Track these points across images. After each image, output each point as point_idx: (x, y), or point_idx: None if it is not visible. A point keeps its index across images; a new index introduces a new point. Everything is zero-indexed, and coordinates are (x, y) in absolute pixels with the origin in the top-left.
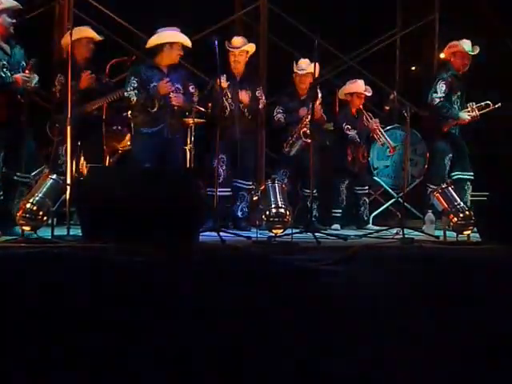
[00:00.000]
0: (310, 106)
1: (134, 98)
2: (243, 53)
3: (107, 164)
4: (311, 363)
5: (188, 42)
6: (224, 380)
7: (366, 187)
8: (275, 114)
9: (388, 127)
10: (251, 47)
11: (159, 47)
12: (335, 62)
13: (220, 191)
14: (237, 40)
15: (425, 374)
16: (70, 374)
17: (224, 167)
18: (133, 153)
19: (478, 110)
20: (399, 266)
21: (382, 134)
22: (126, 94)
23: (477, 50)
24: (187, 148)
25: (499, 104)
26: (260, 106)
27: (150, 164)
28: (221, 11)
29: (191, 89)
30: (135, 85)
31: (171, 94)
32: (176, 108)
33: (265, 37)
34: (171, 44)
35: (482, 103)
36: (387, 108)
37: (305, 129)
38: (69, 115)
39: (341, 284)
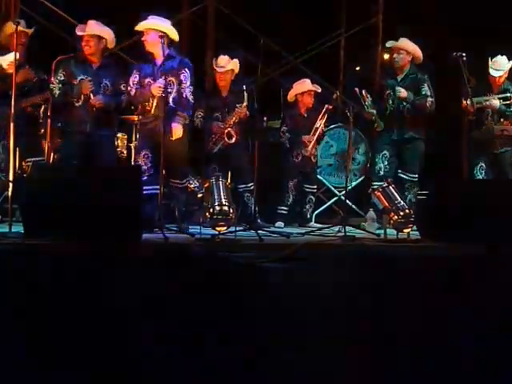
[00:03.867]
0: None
1: (57, 92)
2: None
3: (51, 161)
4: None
5: (102, 32)
6: None
7: (315, 186)
8: (195, 118)
9: (331, 126)
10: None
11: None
12: (280, 62)
13: (145, 189)
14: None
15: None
16: None
17: (149, 164)
18: (60, 148)
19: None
20: (340, 264)
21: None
22: (50, 86)
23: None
24: (132, 145)
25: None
26: (185, 95)
27: (75, 160)
28: (168, 10)
29: (122, 87)
30: (61, 78)
31: (92, 97)
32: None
33: (212, 36)
34: (81, 37)
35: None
36: (330, 107)
37: (229, 129)
38: (12, 111)
39: (279, 282)
